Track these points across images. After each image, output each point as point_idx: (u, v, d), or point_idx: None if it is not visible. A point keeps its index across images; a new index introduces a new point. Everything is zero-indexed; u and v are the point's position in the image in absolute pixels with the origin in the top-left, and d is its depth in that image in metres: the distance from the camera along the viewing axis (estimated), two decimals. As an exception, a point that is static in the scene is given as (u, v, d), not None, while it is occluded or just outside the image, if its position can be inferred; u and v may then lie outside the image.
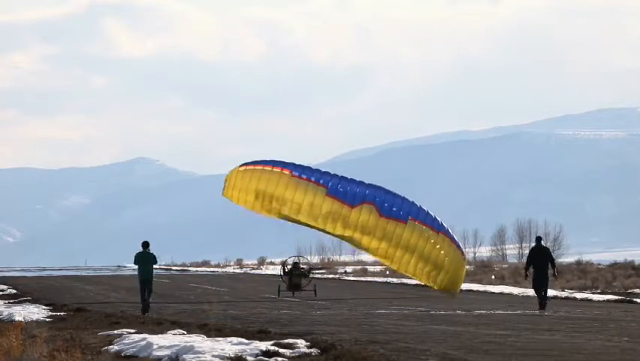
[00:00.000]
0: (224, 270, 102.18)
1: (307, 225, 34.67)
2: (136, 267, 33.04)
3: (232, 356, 18.38)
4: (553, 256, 34.27)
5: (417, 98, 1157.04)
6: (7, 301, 40.00)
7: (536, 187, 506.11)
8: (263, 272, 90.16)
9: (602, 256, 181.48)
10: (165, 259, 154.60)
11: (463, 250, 34.83)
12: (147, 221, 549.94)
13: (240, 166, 35.45)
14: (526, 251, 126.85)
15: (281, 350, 18.81)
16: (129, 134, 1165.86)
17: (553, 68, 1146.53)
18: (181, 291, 50.55)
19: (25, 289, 51.50)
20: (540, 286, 33.20)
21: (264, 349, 18.90)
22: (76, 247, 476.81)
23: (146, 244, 33.02)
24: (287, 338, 20.32)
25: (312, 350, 18.91)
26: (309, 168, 34.79)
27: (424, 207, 34.25)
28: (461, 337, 21.39)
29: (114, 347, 20.89)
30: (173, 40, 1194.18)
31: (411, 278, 36.22)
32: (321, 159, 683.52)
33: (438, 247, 33.38)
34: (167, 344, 20.07)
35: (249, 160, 36.27)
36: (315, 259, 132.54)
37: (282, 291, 42.71)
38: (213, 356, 18.42)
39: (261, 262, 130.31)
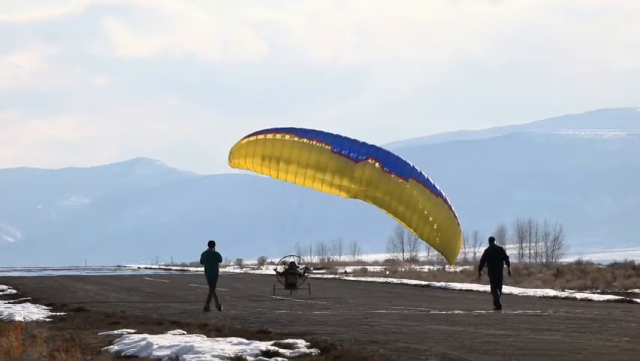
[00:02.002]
0: (224, 270, 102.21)
1: (312, 184, 34.87)
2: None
3: (232, 356, 18.38)
4: (507, 254, 34.62)
5: (417, 98, 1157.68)
6: (7, 301, 40.00)
7: (536, 187, 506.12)
8: (263, 272, 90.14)
9: (602, 256, 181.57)
10: (165, 259, 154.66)
11: (459, 220, 35.42)
12: (147, 221, 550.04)
13: (243, 139, 35.71)
14: (527, 251, 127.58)
15: (281, 350, 18.81)
16: (129, 135, 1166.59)
17: (553, 68, 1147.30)
18: (181, 291, 50.54)
19: (25, 289, 51.47)
20: (496, 285, 33.64)
21: (264, 349, 18.90)
22: (76, 247, 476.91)
23: (212, 244, 33.96)
24: (287, 338, 20.32)
25: (312, 350, 18.91)
26: (312, 130, 35.04)
27: (423, 173, 34.70)
28: (461, 337, 21.39)
29: (114, 347, 20.89)
30: (173, 40, 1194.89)
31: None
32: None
33: (438, 208, 33.86)
34: (167, 344, 20.07)
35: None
36: (315, 259, 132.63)
37: (277, 290, 43.70)
38: (213, 356, 18.42)
39: (261, 262, 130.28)
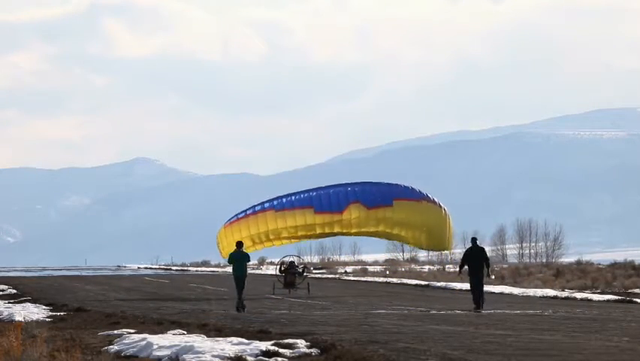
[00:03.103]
0: (224, 270, 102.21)
1: (306, 237, 36.90)
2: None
3: (232, 356, 18.38)
4: (488, 256, 35.04)
5: (417, 98, 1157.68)
6: (7, 301, 40.00)
7: (536, 187, 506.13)
8: (263, 272, 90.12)
9: (602, 256, 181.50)
10: (165, 259, 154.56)
11: (444, 207, 36.69)
12: (147, 221, 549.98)
13: (225, 224, 37.98)
14: (527, 251, 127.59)
15: (281, 350, 18.81)
16: (129, 135, 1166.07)
17: (553, 68, 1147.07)
18: (181, 291, 50.56)
19: (25, 289, 51.49)
20: (476, 286, 33.95)
21: (264, 349, 18.90)
22: (76, 247, 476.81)
23: (240, 244, 34.49)
24: (287, 338, 20.31)
25: (312, 350, 18.91)
26: (285, 196, 37.13)
27: (401, 184, 36.15)
28: (461, 337, 21.39)
29: (114, 347, 20.89)
30: (174, 40, 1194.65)
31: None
32: (321, 159, 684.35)
33: (424, 212, 35.31)
34: (167, 344, 20.06)
35: (232, 215, 39.04)
36: (315, 259, 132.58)
37: (277, 289, 44.01)
38: (213, 356, 18.42)
39: (261, 262, 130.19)
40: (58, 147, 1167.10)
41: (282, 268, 45.38)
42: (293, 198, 36.81)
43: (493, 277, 35.76)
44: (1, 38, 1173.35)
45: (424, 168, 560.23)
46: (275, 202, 37.06)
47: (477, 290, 33.84)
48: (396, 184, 36.56)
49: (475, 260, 34.04)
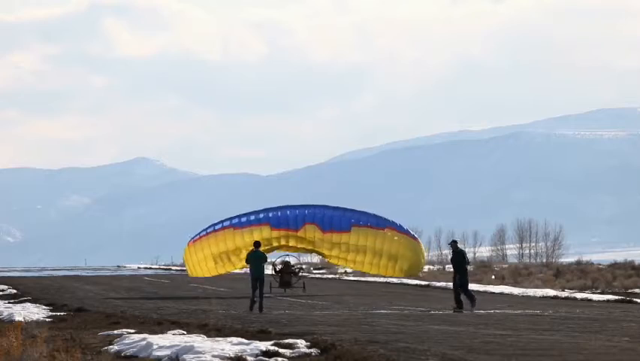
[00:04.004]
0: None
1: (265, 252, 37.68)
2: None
3: (232, 356, 18.38)
4: (468, 260, 35.53)
5: (416, 98, 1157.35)
6: (7, 301, 40.00)
7: (536, 187, 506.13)
8: (273, 273, 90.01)
9: (602, 256, 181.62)
10: (165, 259, 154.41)
11: (415, 235, 36.97)
12: (147, 221, 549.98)
13: (189, 242, 38.95)
14: (527, 251, 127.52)
15: (281, 350, 18.81)
16: (129, 135, 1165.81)
17: (553, 68, 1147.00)
18: (181, 291, 50.55)
19: (25, 289, 51.47)
20: (461, 286, 34.25)
21: (264, 349, 18.89)
22: (76, 247, 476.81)
23: (257, 244, 34.70)
24: (287, 338, 20.31)
25: (312, 350, 18.91)
26: (244, 215, 38.12)
27: (365, 211, 36.55)
28: (461, 337, 21.39)
29: (114, 347, 20.89)
30: (174, 40, 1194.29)
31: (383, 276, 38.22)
32: (321, 159, 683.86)
33: (387, 241, 35.54)
34: (167, 344, 20.06)
35: (200, 229, 40.29)
36: (315, 259, 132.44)
37: (273, 288, 44.59)
38: (213, 356, 18.42)
39: (273, 262, 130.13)
40: (58, 147, 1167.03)
41: (278, 268, 46.39)
42: (252, 217, 38.33)
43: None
44: (1, 38, 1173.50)
45: (424, 168, 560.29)
46: (234, 220, 38.38)
47: (460, 292, 34.13)
48: (359, 211, 37.24)
49: (459, 262, 34.46)
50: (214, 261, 38.09)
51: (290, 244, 37.32)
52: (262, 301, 33.66)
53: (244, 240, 37.39)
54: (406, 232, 36.62)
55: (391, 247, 35.67)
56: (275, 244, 38.04)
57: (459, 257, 34.51)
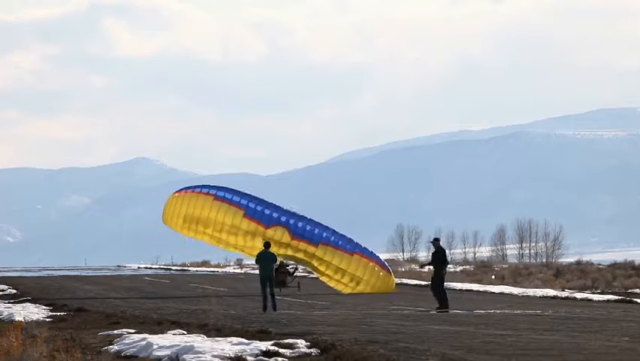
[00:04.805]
0: (224, 270, 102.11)
1: (228, 246, 37.44)
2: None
3: (232, 356, 18.37)
4: (448, 259, 35.78)
5: (416, 98, 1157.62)
6: (7, 301, 39.99)
7: (536, 187, 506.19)
8: (255, 271, 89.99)
9: (602, 256, 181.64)
10: (165, 259, 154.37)
11: (384, 263, 36.95)
12: (147, 221, 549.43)
13: (175, 192, 38.65)
14: (527, 251, 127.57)
15: (281, 350, 18.80)
16: (129, 135, 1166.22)
17: (553, 68, 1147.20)
18: (181, 291, 50.55)
19: (25, 289, 51.45)
20: (440, 285, 34.52)
21: (264, 349, 18.89)
22: (76, 247, 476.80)
23: (267, 245, 34.76)
24: (287, 338, 20.31)
25: (312, 350, 18.90)
26: (232, 191, 37.87)
27: (338, 232, 36.47)
28: (461, 337, 21.38)
29: (114, 347, 20.88)
30: (174, 40, 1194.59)
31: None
32: (321, 159, 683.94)
33: (353, 264, 35.64)
34: (167, 344, 20.06)
35: (187, 186, 40.09)
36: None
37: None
38: (213, 356, 18.42)
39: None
40: (58, 147, 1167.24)
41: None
42: (235, 197, 37.73)
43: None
44: (1, 38, 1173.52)
45: (424, 168, 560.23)
46: (220, 192, 37.93)
47: (439, 290, 34.37)
48: (333, 230, 37.27)
49: (438, 260, 34.68)
50: (183, 220, 38.21)
51: (255, 245, 37.24)
52: (274, 300, 33.79)
53: (216, 215, 37.28)
54: (376, 259, 36.64)
55: (357, 270, 35.76)
56: (240, 239, 37.92)
57: (440, 255, 34.71)
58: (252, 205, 36.55)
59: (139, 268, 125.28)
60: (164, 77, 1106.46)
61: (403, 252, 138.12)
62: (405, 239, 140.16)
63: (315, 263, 36.76)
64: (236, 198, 37.32)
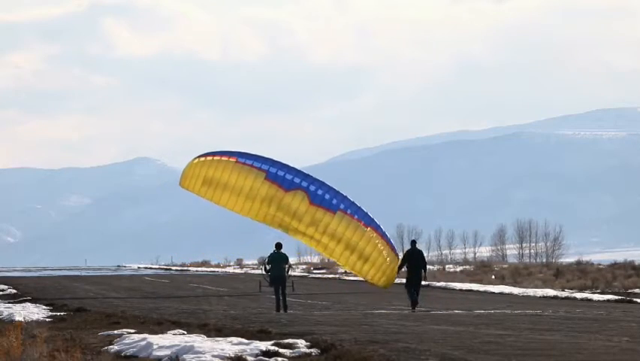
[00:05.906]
0: (224, 270, 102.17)
1: (243, 212, 36.77)
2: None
3: (232, 356, 18.37)
4: (426, 260, 36.53)
5: (417, 98, 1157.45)
6: (7, 301, 39.99)
7: (536, 187, 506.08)
8: (263, 272, 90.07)
9: (602, 256, 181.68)
10: (165, 259, 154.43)
11: (394, 246, 36.91)
12: (147, 221, 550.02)
13: (195, 158, 38.02)
14: (527, 251, 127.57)
15: (281, 350, 18.80)
16: (129, 135, 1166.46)
17: (553, 68, 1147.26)
18: (181, 291, 50.56)
19: (25, 289, 51.47)
20: (412, 286, 35.34)
21: (264, 349, 18.89)
22: (76, 247, 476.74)
23: (279, 245, 35.11)
24: (287, 338, 20.31)
25: (312, 350, 18.90)
26: (254, 156, 37.18)
27: (356, 203, 36.22)
28: (461, 337, 21.38)
29: (114, 347, 20.88)
30: (174, 40, 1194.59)
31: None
32: (321, 159, 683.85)
33: (365, 238, 35.39)
34: (167, 344, 20.05)
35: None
36: (315, 259, 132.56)
37: (263, 286, 44.73)
38: (213, 356, 18.42)
39: (262, 262, 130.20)
40: (58, 147, 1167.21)
41: (268, 268, 46.68)
42: (254, 161, 36.94)
43: (426, 283, 38.10)
44: (1, 38, 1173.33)
45: (425, 168, 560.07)
46: (239, 157, 37.20)
47: (414, 291, 34.96)
48: (346, 197, 36.97)
49: (415, 262, 35.40)
50: (202, 182, 37.73)
51: (269, 212, 36.49)
52: (286, 300, 33.85)
53: (237, 178, 36.68)
54: (387, 239, 36.55)
55: (366, 247, 35.60)
56: (256, 207, 37.33)
57: (418, 257, 35.21)
58: (273, 170, 36.19)
59: (139, 268, 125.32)
60: (164, 77, 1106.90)
61: (403, 252, 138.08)
62: (405, 239, 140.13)
63: (325, 239, 36.50)
64: (257, 163, 36.92)
